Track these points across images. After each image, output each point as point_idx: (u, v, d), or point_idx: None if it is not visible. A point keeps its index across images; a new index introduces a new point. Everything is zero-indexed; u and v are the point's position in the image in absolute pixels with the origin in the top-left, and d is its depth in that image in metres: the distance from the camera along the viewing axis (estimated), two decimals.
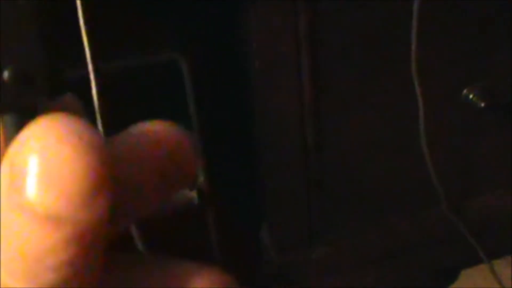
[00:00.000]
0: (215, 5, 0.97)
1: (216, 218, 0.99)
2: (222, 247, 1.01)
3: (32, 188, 0.23)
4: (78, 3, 0.72)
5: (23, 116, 0.26)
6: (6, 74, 0.26)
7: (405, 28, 0.92)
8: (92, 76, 0.74)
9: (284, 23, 0.89)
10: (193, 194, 0.95)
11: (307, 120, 0.97)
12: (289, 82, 0.93)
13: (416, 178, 1.09)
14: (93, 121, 0.73)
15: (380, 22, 0.94)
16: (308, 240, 1.08)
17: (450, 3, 0.95)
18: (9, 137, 0.26)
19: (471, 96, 1.04)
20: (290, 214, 1.05)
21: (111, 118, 0.78)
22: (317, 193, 1.04)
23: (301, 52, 0.92)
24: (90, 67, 0.73)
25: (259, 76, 0.92)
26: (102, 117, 0.74)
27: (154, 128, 0.26)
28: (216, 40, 0.98)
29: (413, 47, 0.93)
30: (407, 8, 0.91)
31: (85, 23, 0.71)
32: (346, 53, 0.95)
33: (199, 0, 0.96)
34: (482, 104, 1.03)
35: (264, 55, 0.91)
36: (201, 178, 0.95)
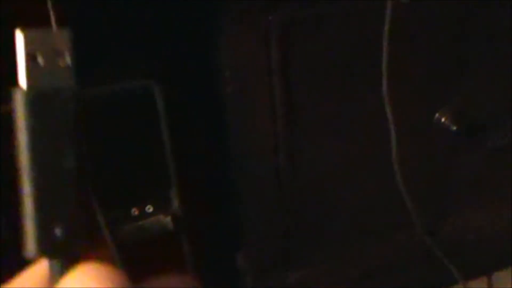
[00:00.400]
0: (189, 32, 0.98)
1: (191, 243, 0.99)
2: (197, 273, 1.01)
3: None
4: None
5: (67, 261, 0.34)
6: (58, 231, 0.34)
7: (377, 53, 0.93)
8: None
9: (257, 50, 0.90)
10: (168, 219, 0.95)
11: (280, 144, 0.97)
12: (261, 109, 0.94)
13: (390, 201, 1.09)
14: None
15: (352, 47, 0.95)
16: (284, 264, 1.09)
17: (421, 28, 0.96)
18: (54, 280, 0.34)
19: (443, 119, 1.05)
20: (265, 239, 1.06)
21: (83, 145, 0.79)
22: (291, 217, 1.05)
23: (273, 79, 0.93)
24: None
25: (232, 102, 0.93)
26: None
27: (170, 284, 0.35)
28: (190, 67, 0.98)
29: (384, 71, 0.93)
30: (378, 34, 0.91)
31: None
32: (318, 78, 0.96)
33: (173, 27, 0.96)
34: (455, 128, 1.04)
35: (236, 82, 0.92)
36: (176, 204, 0.95)
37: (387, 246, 1.14)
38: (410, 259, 1.16)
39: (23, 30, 0.37)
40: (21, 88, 0.37)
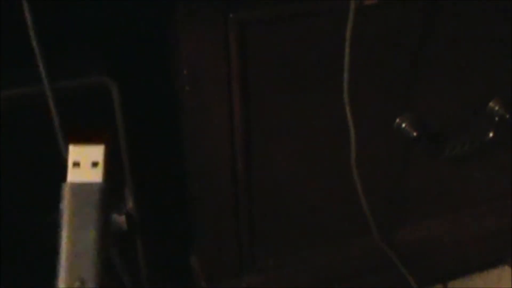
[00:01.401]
0: (147, 28, 0.96)
1: (144, 243, 0.98)
2: (150, 273, 1.00)
3: None
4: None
5: None
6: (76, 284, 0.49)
7: (339, 56, 0.92)
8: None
9: (215, 49, 0.88)
10: (122, 219, 0.93)
11: (237, 146, 0.96)
12: (219, 109, 0.92)
13: (348, 207, 1.09)
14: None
15: (314, 49, 0.93)
16: (238, 269, 1.07)
17: (384, 32, 0.95)
18: None
19: (403, 125, 1.04)
20: (219, 242, 1.04)
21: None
22: (247, 221, 1.03)
23: (232, 79, 0.91)
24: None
25: (189, 102, 0.91)
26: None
27: None
28: (148, 64, 0.97)
29: (346, 74, 0.92)
30: (340, 36, 0.90)
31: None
32: (279, 80, 0.94)
33: (130, 23, 0.94)
34: (414, 134, 1.03)
35: (193, 81, 0.89)
36: (130, 203, 0.93)
37: (343, 253, 1.14)
38: (367, 266, 1.16)
39: (73, 145, 0.63)
40: (67, 183, 0.61)
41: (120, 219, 0.92)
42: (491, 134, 1.09)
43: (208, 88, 0.90)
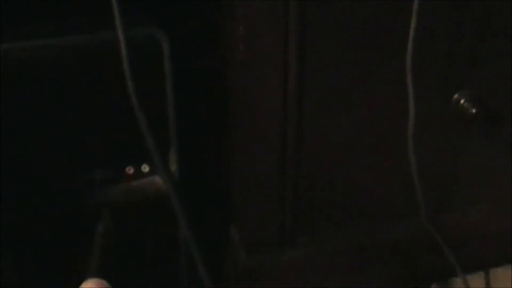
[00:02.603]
0: None
1: (185, 209, 0.93)
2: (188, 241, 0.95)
3: None
4: None
5: None
6: None
7: (403, 24, 0.87)
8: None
9: (274, 9, 0.83)
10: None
11: (289, 113, 0.91)
12: (274, 71, 0.87)
13: (398, 185, 1.04)
14: None
15: (377, 15, 0.88)
16: (279, 242, 1.03)
17: (451, 4, 0.91)
18: None
19: (462, 101, 0.99)
20: (263, 213, 0.99)
21: None
22: (292, 193, 0.99)
23: (289, 41, 0.86)
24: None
25: (242, 62, 0.87)
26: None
27: None
28: (201, 19, 0.92)
29: (410, 44, 0.87)
30: (406, 3, 0.86)
31: None
32: (337, 47, 0.89)
33: None
34: (473, 110, 0.98)
35: (249, 40, 0.85)
36: (174, 166, 0.89)
37: (388, 232, 1.09)
38: (412, 247, 1.11)
39: None
40: None
41: (162, 181, 0.87)
42: None
43: (264, 48, 0.85)
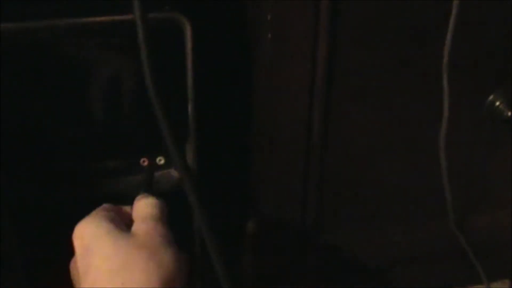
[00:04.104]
0: None
1: (201, 202, 0.89)
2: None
3: None
4: None
5: None
6: None
7: (440, 21, 0.83)
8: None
9: None
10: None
11: (316, 106, 0.87)
12: (302, 62, 0.83)
13: (426, 187, 1.00)
14: None
15: (414, 11, 0.84)
16: (300, 240, 0.99)
17: (491, 6, 0.87)
18: None
19: (497, 103, 0.95)
20: (284, 210, 0.96)
21: None
22: (316, 193, 0.95)
23: (319, 31, 0.82)
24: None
25: (270, 50, 0.82)
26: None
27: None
28: (226, 5, 0.87)
29: (448, 41, 0.83)
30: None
31: None
32: (370, 41, 0.85)
33: None
34: (509, 113, 0.94)
35: (277, 28, 0.81)
36: (191, 158, 0.85)
37: (414, 235, 1.05)
38: (436, 252, 1.07)
39: None
40: None
41: (177, 174, 0.83)
42: None
43: (293, 38, 0.81)
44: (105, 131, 0.81)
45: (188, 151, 0.84)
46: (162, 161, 0.83)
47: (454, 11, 0.82)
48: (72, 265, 0.71)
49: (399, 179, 0.99)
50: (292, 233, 0.98)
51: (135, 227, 0.68)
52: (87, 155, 0.83)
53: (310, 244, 1.00)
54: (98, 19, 0.76)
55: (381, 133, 0.93)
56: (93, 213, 0.69)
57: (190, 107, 0.82)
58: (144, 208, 0.70)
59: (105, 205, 0.71)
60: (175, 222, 0.85)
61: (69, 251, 0.84)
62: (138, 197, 0.71)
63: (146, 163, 0.83)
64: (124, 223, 0.68)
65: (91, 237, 0.66)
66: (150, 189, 0.74)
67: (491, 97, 0.95)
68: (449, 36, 0.84)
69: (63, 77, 0.77)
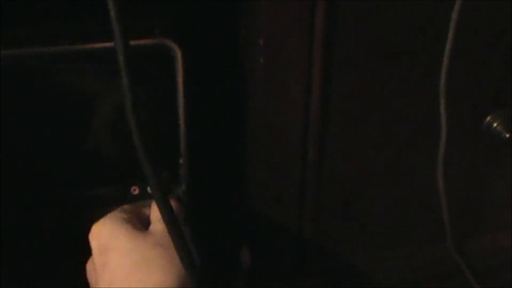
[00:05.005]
0: None
1: (192, 232, 0.88)
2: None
3: None
4: None
5: None
6: None
7: (437, 40, 0.82)
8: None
9: (298, 21, 0.78)
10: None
11: (311, 131, 0.86)
12: (296, 88, 0.82)
13: (423, 208, 0.99)
14: None
15: (409, 30, 0.83)
16: (296, 268, 0.97)
17: (487, 25, 0.86)
18: None
19: (495, 124, 0.93)
20: (279, 236, 0.94)
21: None
22: (311, 216, 0.93)
23: (313, 57, 0.81)
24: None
25: (262, 76, 0.81)
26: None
27: None
28: (217, 30, 0.86)
29: (445, 61, 0.82)
30: (443, 16, 0.81)
31: None
32: (365, 61, 0.84)
33: None
34: (507, 135, 0.93)
35: (270, 53, 0.79)
36: (183, 186, 0.83)
37: (412, 259, 1.04)
38: (435, 276, 1.05)
39: None
40: None
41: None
42: None
43: (287, 62, 0.80)
44: (95, 159, 0.81)
45: (181, 178, 0.84)
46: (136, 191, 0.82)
47: (451, 32, 0.81)
48: (88, 265, 0.73)
49: (396, 202, 0.98)
50: (287, 255, 0.97)
51: (152, 227, 0.70)
52: (77, 183, 0.83)
53: (307, 269, 0.98)
54: (85, 46, 0.75)
55: (378, 154, 0.92)
56: (110, 214, 0.71)
57: (181, 131, 0.81)
58: None
59: (124, 207, 0.73)
60: None
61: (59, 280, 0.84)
62: None
63: (136, 192, 0.82)
64: (141, 224, 0.71)
65: (108, 236, 0.68)
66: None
67: (488, 118, 0.94)
68: (446, 57, 0.83)
69: (51, 103, 0.77)
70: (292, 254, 0.96)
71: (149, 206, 0.74)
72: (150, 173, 0.61)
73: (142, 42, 0.76)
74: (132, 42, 0.73)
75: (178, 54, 0.77)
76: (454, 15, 0.80)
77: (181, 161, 0.83)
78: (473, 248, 1.06)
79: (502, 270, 1.09)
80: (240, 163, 0.94)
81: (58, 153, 0.80)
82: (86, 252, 0.74)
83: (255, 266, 0.95)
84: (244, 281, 0.97)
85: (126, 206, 0.73)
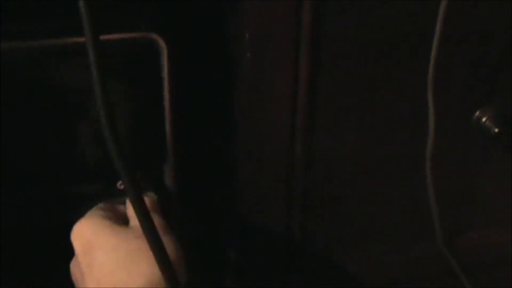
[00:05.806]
0: None
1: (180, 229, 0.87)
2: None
3: None
4: None
5: None
6: None
7: (425, 37, 0.83)
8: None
9: (285, 14, 0.78)
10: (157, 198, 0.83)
11: (298, 126, 0.85)
12: (283, 81, 0.82)
13: (413, 207, 0.98)
14: None
15: (397, 27, 0.83)
16: (286, 265, 0.97)
17: (476, 20, 0.86)
18: None
19: (484, 119, 0.93)
20: (267, 234, 0.93)
21: None
22: (299, 215, 0.93)
23: (300, 51, 0.80)
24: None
25: (249, 70, 0.81)
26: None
27: None
28: (203, 24, 0.86)
29: (433, 55, 0.81)
30: (431, 12, 0.81)
31: None
32: (353, 56, 0.84)
33: None
34: (496, 130, 0.92)
35: (256, 48, 0.79)
36: (170, 182, 0.83)
37: (401, 256, 1.03)
38: (425, 273, 1.05)
39: None
40: None
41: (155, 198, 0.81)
42: None
43: (273, 57, 0.80)
44: (81, 154, 0.80)
45: (167, 172, 0.83)
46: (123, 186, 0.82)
47: (438, 27, 0.81)
48: (72, 266, 0.72)
49: (385, 199, 0.97)
50: (275, 255, 0.96)
51: (132, 222, 0.70)
52: (64, 178, 0.82)
53: (294, 266, 0.98)
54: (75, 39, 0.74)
55: (366, 150, 0.92)
56: (88, 213, 0.71)
57: (168, 128, 0.81)
58: None
59: (99, 205, 0.73)
60: None
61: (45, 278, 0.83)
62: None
63: (123, 186, 0.81)
64: (120, 220, 0.71)
65: (91, 234, 0.68)
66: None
67: (477, 113, 0.94)
68: (433, 51, 0.82)
69: (35, 99, 0.77)
70: (281, 252, 0.96)
71: (124, 203, 0.74)
72: (122, 168, 0.60)
73: (127, 36, 0.75)
74: (117, 36, 0.75)
75: (164, 48, 0.77)
76: (442, 11, 0.80)
77: (167, 157, 0.83)
78: (463, 245, 1.05)
79: (492, 266, 1.09)
80: (228, 160, 0.93)
81: (43, 149, 0.80)
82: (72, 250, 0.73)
83: (243, 265, 0.95)
84: (232, 279, 0.96)
85: (101, 205, 0.73)
